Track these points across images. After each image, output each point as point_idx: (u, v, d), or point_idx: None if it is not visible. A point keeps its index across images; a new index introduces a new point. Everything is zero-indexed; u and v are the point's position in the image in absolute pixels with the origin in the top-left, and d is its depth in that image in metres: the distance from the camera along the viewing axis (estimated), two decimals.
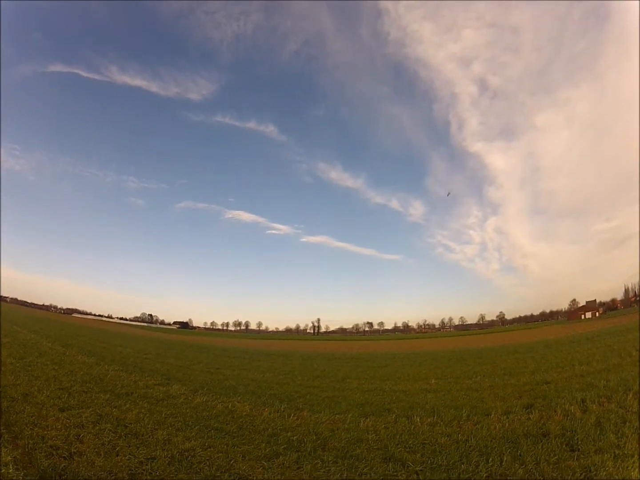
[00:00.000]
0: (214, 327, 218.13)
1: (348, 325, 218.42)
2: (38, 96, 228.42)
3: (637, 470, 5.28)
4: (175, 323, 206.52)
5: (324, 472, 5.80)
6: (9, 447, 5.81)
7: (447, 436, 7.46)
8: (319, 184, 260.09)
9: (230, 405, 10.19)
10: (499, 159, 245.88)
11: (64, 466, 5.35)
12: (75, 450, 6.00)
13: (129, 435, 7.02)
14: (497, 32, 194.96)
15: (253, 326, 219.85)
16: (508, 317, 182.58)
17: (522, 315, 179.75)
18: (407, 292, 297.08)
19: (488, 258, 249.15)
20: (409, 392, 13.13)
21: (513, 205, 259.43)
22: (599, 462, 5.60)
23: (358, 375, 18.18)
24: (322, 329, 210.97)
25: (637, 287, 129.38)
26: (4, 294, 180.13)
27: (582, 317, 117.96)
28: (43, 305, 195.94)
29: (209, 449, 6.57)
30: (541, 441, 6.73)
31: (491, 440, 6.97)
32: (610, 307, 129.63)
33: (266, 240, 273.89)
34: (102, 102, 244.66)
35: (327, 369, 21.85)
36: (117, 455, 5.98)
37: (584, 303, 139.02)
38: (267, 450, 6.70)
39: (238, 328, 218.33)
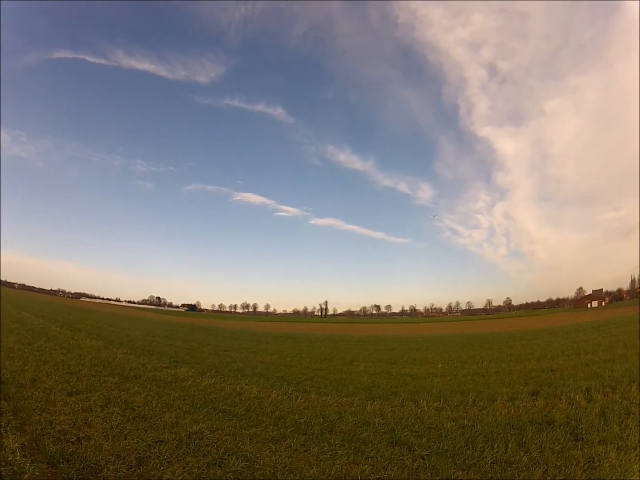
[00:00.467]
0: (222, 309, 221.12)
1: (356, 308, 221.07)
2: (44, 83, 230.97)
3: (639, 463, 5.25)
4: (183, 305, 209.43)
5: (330, 455, 5.79)
6: (17, 434, 5.80)
7: (453, 421, 7.49)
8: (327, 166, 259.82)
9: (238, 388, 10.22)
10: (507, 144, 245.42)
11: (72, 451, 5.34)
12: (83, 435, 5.99)
13: (137, 419, 7.04)
14: (506, 17, 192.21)
15: (261, 308, 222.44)
16: (514, 303, 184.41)
17: (529, 301, 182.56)
18: (415, 276, 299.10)
19: (496, 243, 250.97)
20: (415, 375, 13.20)
21: (521, 191, 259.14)
22: (602, 452, 5.60)
23: (365, 358, 18.25)
24: (330, 312, 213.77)
25: None
26: (11, 279, 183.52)
27: (588, 305, 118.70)
28: (51, 290, 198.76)
29: (216, 432, 6.57)
30: (546, 429, 6.76)
31: (497, 427, 7.00)
32: (616, 297, 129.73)
33: (274, 223, 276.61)
34: (110, 86, 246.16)
35: (335, 351, 21.97)
36: (125, 439, 5.97)
37: (590, 292, 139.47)
38: (275, 432, 6.71)
39: (246, 310, 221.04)
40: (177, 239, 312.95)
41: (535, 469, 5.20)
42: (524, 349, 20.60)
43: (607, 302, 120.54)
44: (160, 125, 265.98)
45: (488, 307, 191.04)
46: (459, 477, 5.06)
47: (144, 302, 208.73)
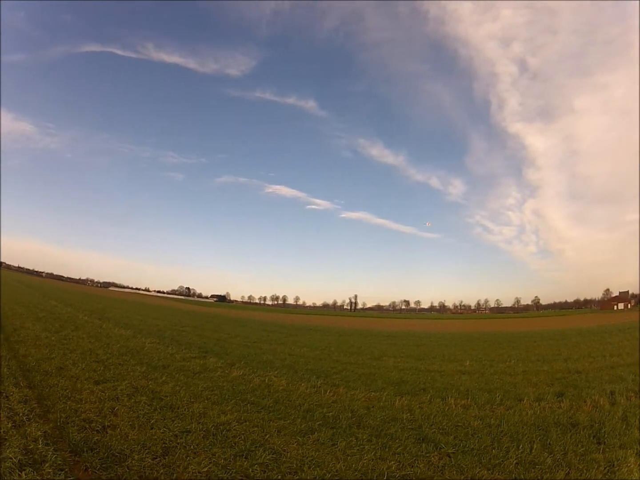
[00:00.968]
0: (251, 301, 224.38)
1: (385, 302, 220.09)
2: (73, 75, 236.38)
3: None
4: (212, 296, 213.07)
5: (357, 449, 5.70)
6: (40, 422, 5.77)
7: (480, 419, 7.45)
8: (359, 159, 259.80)
9: (266, 380, 10.16)
10: (538, 141, 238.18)
11: (97, 439, 5.29)
12: (109, 424, 5.96)
13: (164, 408, 6.99)
14: (535, 13, 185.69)
15: (290, 301, 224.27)
16: (543, 302, 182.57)
17: (556, 301, 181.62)
18: (445, 272, 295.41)
19: (525, 241, 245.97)
20: (443, 372, 13.11)
21: (551, 188, 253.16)
22: (622, 457, 5.57)
23: (394, 353, 18.10)
24: (359, 306, 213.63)
25: None
26: (39, 269, 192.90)
27: (615, 307, 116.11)
28: (79, 279, 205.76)
29: (244, 423, 6.51)
30: (570, 431, 6.74)
31: (522, 427, 6.96)
32: None
33: (306, 216, 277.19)
34: (139, 79, 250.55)
35: (364, 345, 21.85)
36: (152, 429, 5.91)
37: (617, 293, 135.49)
38: (303, 425, 6.62)
39: (275, 302, 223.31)
40: (207, 231, 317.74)
41: (558, 471, 5.14)
42: (551, 349, 20.68)
43: (632, 304, 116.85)
44: (191, 117, 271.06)
45: (516, 306, 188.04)
46: (484, 477, 4.96)
47: (173, 292, 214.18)
